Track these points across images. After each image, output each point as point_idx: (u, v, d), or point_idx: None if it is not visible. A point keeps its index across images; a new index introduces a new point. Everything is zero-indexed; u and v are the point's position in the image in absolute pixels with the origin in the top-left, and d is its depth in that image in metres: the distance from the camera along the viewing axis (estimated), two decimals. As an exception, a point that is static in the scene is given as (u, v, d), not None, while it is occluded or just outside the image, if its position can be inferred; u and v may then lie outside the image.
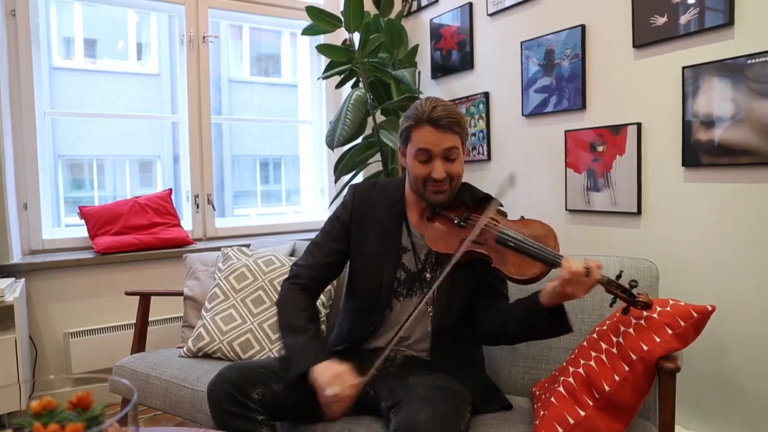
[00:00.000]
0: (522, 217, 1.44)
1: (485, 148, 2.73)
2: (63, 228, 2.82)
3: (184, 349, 1.94)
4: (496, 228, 1.36)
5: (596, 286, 1.26)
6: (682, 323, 1.24)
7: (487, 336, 1.48)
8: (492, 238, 1.36)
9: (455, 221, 1.43)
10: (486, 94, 2.72)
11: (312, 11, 2.64)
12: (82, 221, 2.67)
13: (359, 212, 1.54)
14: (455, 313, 1.47)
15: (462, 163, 1.44)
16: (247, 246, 2.33)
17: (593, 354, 1.32)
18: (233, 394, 1.32)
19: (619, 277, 1.28)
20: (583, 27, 2.24)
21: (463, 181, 1.49)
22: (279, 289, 2.00)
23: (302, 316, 1.44)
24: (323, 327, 2.00)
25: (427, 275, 1.49)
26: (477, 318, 1.48)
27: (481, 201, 1.47)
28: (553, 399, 1.33)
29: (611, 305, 1.29)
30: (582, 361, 1.33)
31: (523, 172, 2.56)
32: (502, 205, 1.49)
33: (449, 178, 1.41)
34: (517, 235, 1.34)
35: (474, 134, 2.78)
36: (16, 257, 2.46)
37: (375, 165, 2.90)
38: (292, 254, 2.23)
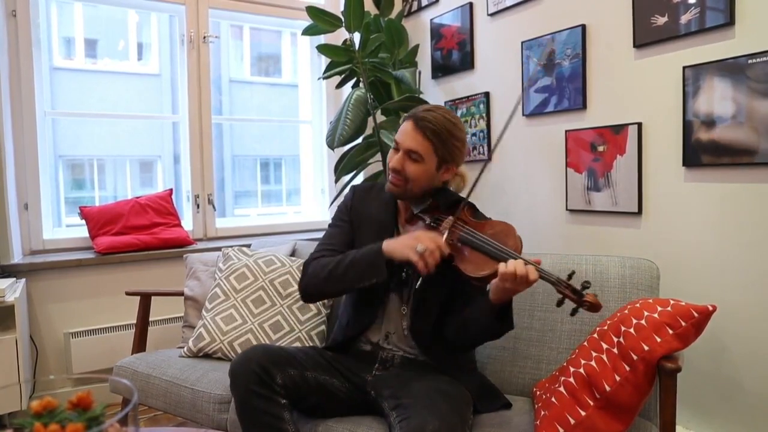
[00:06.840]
0: (489, 219, 1.50)
1: (485, 148, 2.73)
2: (63, 228, 2.82)
3: (185, 349, 1.94)
4: (462, 228, 1.40)
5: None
6: (683, 323, 1.24)
7: (450, 340, 1.49)
8: (457, 238, 1.39)
9: (427, 221, 1.47)
10: (486, 94, 2.71)
11: (312, 11, 2.64)
12: (83, 221, 2.67)
13: (358, 209, 1.62)
14: (432, 316, 1.49)
15: (423, 171, 1.46)
16: (248, 246, 2.33)
17: (594, 354, 1.32)
18: (259, 374, 1.31)
19: (570, 277, 1.27)
20: (583, 27, 2.24)
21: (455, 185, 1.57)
22: (279, 289, 2.01)
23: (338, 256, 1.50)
24: (323, 327, 2.00)
25: (404, 274, 1.53)
26: (446, 322, 1.50)
27: (454, 204, 1.49)
28: (553, 399, 1.33)
29: (558, 305, 1.27)
30: (583, 361, 1.33)
31: (524, 172, 2.56)
32: (474, 206, 1.53)
33: (404, 176, 1.46)
34: (477, 234, 1.37)
35: (474, 134, 2.78)
36: (17, 257, 2.46)
37: (375, 165, 2.90)
38: (292, 254, 2.22)
